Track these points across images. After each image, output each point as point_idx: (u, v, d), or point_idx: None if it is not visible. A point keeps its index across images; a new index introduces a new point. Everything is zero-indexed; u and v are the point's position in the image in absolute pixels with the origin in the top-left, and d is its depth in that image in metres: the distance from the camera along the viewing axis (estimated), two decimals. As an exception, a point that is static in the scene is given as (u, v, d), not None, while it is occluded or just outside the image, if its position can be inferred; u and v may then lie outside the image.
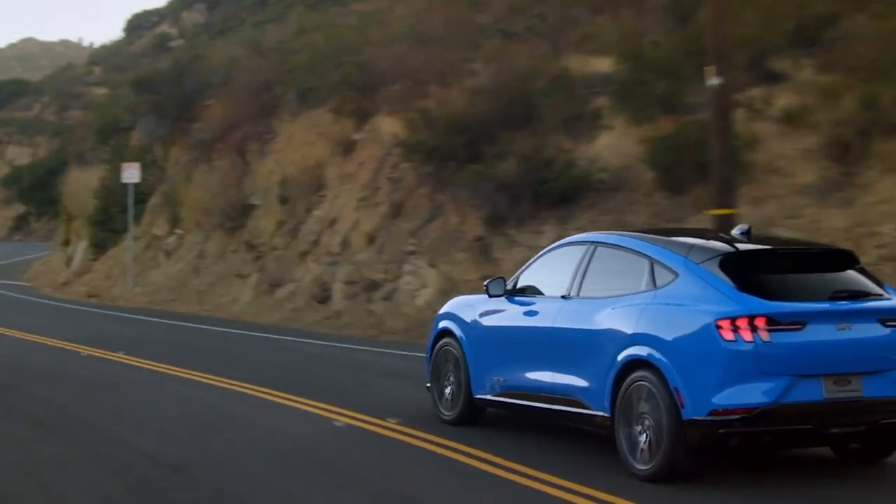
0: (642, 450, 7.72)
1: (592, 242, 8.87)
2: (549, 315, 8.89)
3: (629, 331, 7.89)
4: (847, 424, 7.63)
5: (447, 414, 10.06)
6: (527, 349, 9.10)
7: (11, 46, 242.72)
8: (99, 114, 37.65)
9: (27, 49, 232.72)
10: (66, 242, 38.65)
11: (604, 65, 22.13)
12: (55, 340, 17.96)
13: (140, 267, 29.94)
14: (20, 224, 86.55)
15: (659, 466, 7.58)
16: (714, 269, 7.69)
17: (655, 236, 8.75)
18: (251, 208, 27.35)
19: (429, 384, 10.42)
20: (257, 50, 32.16)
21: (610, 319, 8.14)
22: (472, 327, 9.86)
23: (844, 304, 7.64)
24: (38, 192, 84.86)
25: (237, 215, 27.30)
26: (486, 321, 9.72)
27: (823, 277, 7.97)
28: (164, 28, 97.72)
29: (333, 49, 28.31)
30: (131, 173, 29.51)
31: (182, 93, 31.74)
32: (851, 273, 8.08)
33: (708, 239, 8.48)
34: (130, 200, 29.59)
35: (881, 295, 7.91)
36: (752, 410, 7.27)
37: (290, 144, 27.66)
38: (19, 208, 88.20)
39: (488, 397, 9.58)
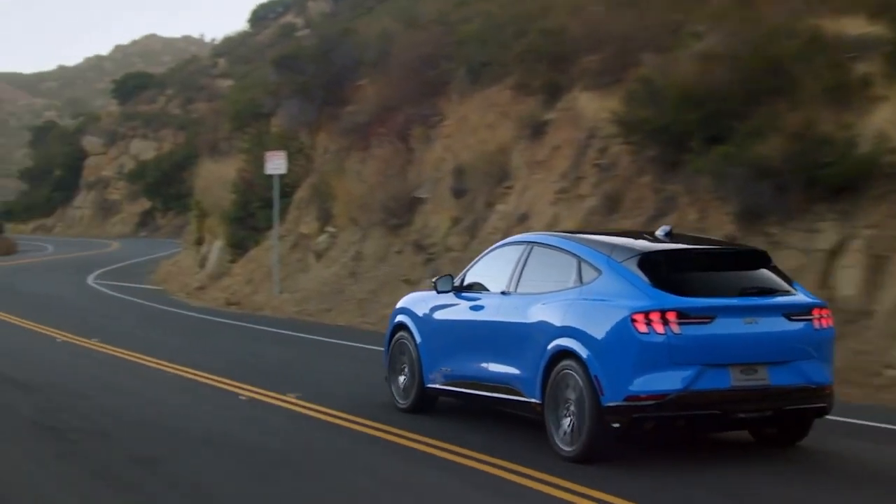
0: (566, 433, 8.48)
1: (530, 242, 9.72)
2: (490, 310, 9.66)
3: (557, 324, 8.65)
4: (754, 410, 8.44)
5: (402, 402, 10.88)
6: (471, 341, 9.86)
7: (134, 43, 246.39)
8: (235, 99, 33.96)
9: (149, 45, 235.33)
10: (199, 241, 35.46)
11: (857, 25, 17.64)
12: (202, 373, 14.02)
13: (286, 270, 26.26)
14: (145, 220, 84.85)
15: (581, 448, 8.33)
16: (633, 267, 8.46)
17: (584, 237, 9.60)
18: (418, 202, 23.45)
19: (387, 376, 11.26)
20: (415, 23, 28.30)
21: (541, 313, 8.88)
22: (423, 321, 10.67)
23: (751, 300, 8.51)
24: (164, 188, 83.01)
25: (401, 211, 23.42)
26: (436, 315, 10.50)
27: (736, 275, 8.80)
28: (290, 18, 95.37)
29: (512, 16, 24.24)
30: (277, 163, 25.86)
31: (330, 72, 28.09)
32: (764, 272, 8.87)
33: (633, 239, 9.26)
34: (276, 194, 25.97)
35: (789, 292, 8.73)
36: (664, 397, 8.04)
37: (463, 128, 23.68)
38: (144, 204, 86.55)
39: (438, 386, 10.36)
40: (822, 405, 8.68)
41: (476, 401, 10.10)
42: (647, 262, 8.57)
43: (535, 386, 8.82)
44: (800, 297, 8.78)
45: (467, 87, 24.26)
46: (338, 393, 12.29)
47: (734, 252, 9.61)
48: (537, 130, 21.28)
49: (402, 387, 10.96)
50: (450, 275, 10.78)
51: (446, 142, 23.86)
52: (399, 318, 11.17)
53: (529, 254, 9.51)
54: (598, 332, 8.31)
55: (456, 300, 10.31)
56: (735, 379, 8.22)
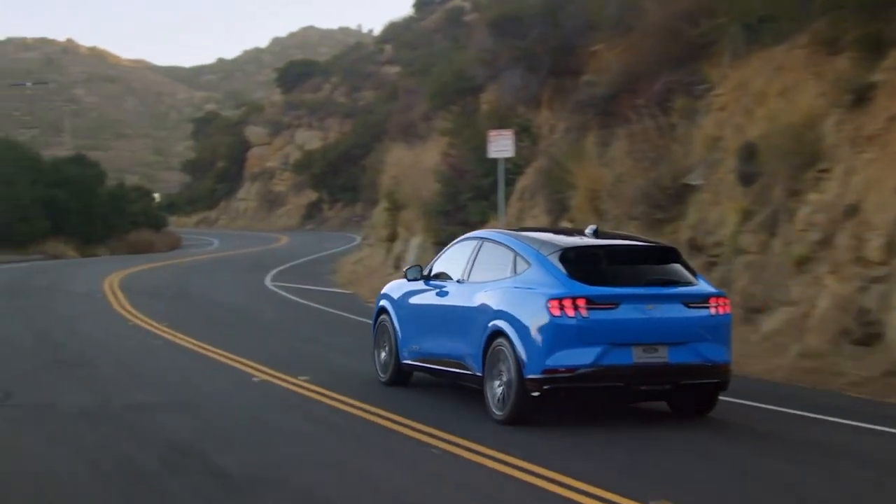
0: (499, 400, 10.09)
1: (481, 238, 11.51)
2: (448, 296, 11.35)
3: (494, 308, 10.30)
4: (654, 384, 10.08)
5: (383, 376, 12.54)
6: (433, 323, 11.58)
7: (292, 35, 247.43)
8: (439, 72, 29.52)
9: (307, 37, 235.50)
10: (391, 238, 31.59)
11: None
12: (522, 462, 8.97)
13: (512, 272, 22.14)
14: (312, 212, 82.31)
15: (509, 413, 9.94)
16: (555, 260, 10.10)
17: (522, 234, 11.24)
18: (689, 191, 18.83)
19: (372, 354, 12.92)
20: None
21: (483, 299, 10.54)
22: (399, 305, 12.32)
23: (652, 290, 10.05)
24: (331, 178, 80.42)
25: (668, 201, 18.82)
26: (409, 300, 12.15)
27: (644, 268, 10.47)
28: (457, 2, 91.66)
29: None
30: (502, 145, 21.51)
31: (558, 36, 23.68)
32: (672, 266, 10.46)
33: (564, 236, 11.35)
34: (501, 182, 21.62)
35: (690, 283, 10.31)
36: (574, 371, 9.64)
37: (743, 97, 18.86)
38: (310, 195, 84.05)
39: (410, 362, 12.02)
40: (718, 381, 10.20)
41: (439, 375, 11.67)
42: (566, 256, 10.12)
43: (479, 361, 10.40)
44: (700, 287, 10.30)
45: (742, 47, 19.50)
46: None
47: (645, 248, 11.21)
48: (860, 97, 16.39)
49: (382, 363, 12.56)
50: (418, 265, 12.69)
51: (720, 115, 19.11)
52: (381, 302, 12.77)
53: (480, 248, 11.17)
54: (523, 315, 9.89)
55: (424, 287, 11.86)
56: (637, 357, 9.76)
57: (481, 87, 27.12)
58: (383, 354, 12.54)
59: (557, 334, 9.59)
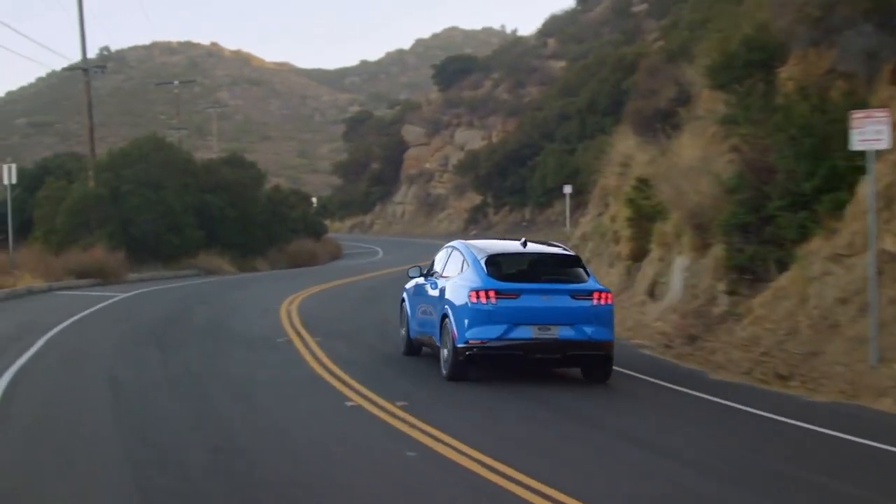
0: (444, 363, 13.60)
1: (452, 246, 15.02)
2: (430, 287, 14.77)
3: (446, 296, 13.77)
4: (548, 353, 13.35)
5: (403, 349, 15.96)
6: (423, 307, 15.00)
7: (435, 36, 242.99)
8: (721, 41, 21.85)
9: (451, 37, 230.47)
10: (636, 255, 24.54)
11: None
12: None
13: (889, 320, 14.63)
14: (475, 216, 75.75)
15: (448, 373, 13.46)
16: (483, 263, 13.54)
17: (472, 243, 14.82)
18: None
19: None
20: None
21: (443, 289, 13.98)
22: (410, 294, 15.95)
23: (545, 286, 13.45)
24: (498, 180, 73.91)
25: None
26: (414, 291, 15.74)
27: (549, 270, 13.93)
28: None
29: None
30: (874, 130, 14.36)
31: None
32: (573, 269, 13.96)
33: (501, 245, 14.91)
34: (872, 185, 14.44)
35: (581, 281, 13.69)
36: (486, 342, 13.03)
37: None
38: (473, 198, 77.57)
39: (415, 338, 15.42)
40: (601, 353, 13.47)
41: (426, 346, 15.03)
42: (490, 260, 13.64)
43: (437, 335, 14.01)
44: (586, 284, 13.64)
45: None
46: None
47: (551, 255, 14.53)
48: None
49: (402, 339, 16.17)
50: (418, 265, 16.32)
51: None
52: (403, 293, 16.45)
53: (451, 253, 14.80)
54: (456, 301, 13.45)
55: (423, 281, 15.34)
56: (534, 333, 13.10)
57: (781, 57, 19.83)
58: (402, 332, 16.18)
59: (474, 315, 13.10)
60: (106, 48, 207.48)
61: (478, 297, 13.02)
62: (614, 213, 30.51)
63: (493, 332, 12.99)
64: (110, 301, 24.19)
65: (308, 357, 15.30)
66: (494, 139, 78.65)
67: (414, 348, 15.51)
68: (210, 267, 37.79)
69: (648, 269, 23.64)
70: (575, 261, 14.19)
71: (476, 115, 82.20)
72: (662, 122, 25.84)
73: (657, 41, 73.56)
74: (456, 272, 13.99)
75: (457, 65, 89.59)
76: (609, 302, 13.45)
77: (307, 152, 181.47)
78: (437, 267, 14.95)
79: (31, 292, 26.29)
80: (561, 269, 14.00)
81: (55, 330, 17.90)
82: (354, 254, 56.04)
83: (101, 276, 31.07)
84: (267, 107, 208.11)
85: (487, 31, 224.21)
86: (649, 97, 26.33)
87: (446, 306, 13.60)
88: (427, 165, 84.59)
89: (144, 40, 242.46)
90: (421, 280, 15.35)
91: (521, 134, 71.92)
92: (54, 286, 28.07)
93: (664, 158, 24.53)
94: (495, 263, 13.61)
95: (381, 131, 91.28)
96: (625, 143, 30.05)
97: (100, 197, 35.28)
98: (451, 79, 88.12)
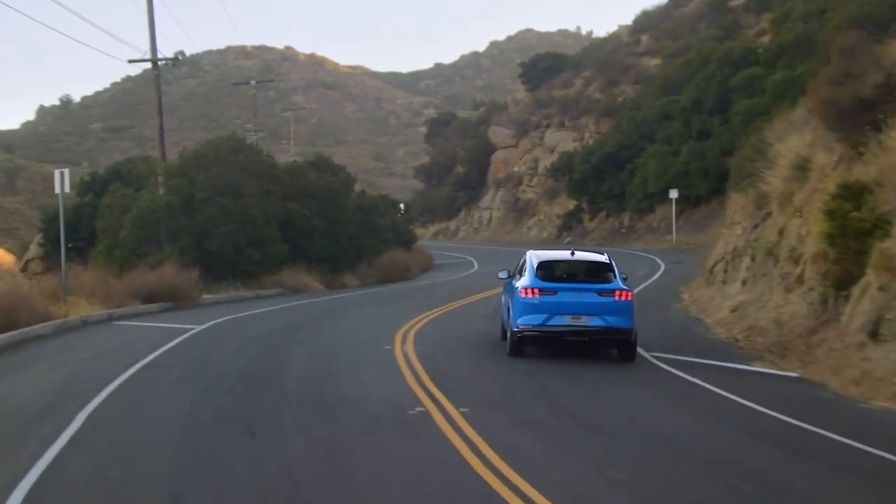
0: (507, 343, 17.43)
1: (525, 254, 18.41)
2: (510, 285, 18.18)
3: (512, 292, 17.32)
4: (577, 337, 16.75)
5: (503, 337, 18.71)
6: (505, 300, 18.56)
7: (509, 39, 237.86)
8: None
9: (525, 40, 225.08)
10: (841, 281, 18.99)
11: None
12: None
13: None
14: (569, 222, 70.17)
15: (509, 349, 17.17)
16: (535, 267, 17.18)
17: (536, 251, 18.58)
18: None
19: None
20: None
21: (514, 287, 17.32)
22: (504, 292, 19.37)
23: (577, 285, 17.10)
24: (594, 184, 68.30)
25: None
26: (503, 289, 19.46)
27: (583, 273, 17.93)
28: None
29: None
30: None
31: None
32: (604, 273, 17.45)
33: (554, 253, 19.26)
34: None
35: (608, 281, 17.05)
36: (532, 327, 16.57)
37: None
38: (566, 203, 72.01)
39: (504, 325, 18.55)
40: (622, 338, 16.80)
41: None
42: (540, 265, 17.35)
43: (507, 322, 17.79)
44: (612, 284, 16.93)
45: None
46: None
47: (585, 261, 18.42)
48: None
49: (502, 329, 18.95)
50: (507, 269, 19.79)
51: None
52: (502, 293, 19.77)
53: (523, 259, 18.27)
54: (514, 296, 17.09)
55: (509, 280, 18.86)
56: (568, 321, 16.59)
57: None
58: (501, 324, 19.51)
59: (524, 307, 16.65)
60: (181, 52, 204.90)
61: (526, 293, 16.73)
62: (783, 224, 24.87)
63: (537, 319, 16.65)
64: (180, 339, 19.06)
65: (467, 452, 9.98)
66: (587, 140, 73.03)
67: (504, 333, 18.55)
68: (295, 284, 32.80)
69: (865, 302, 17.96)
70: (607, 266, 17.71)
71: (567, 116, 76.62)
72: (866, 114, 20.13)
73: (761, 35, 67.70)
74: (522, 273, 17.77)
75: (545, 63, 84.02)
76: (629, 299, 16.86)
77: (382, 156, 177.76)
78: (517, 271, 18.63)
79: (85, 323, 21.31)
80: (594, 272, 17.83)
81: (100, 397, 12.76)
82: (446, 265, 50.84)
83: (172, 299, 26.19)
84: (341, 110, 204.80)
85: (563, 33, 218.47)
86: (844, 83, 20.59)
87: (511, 300, 17.48)
88: (515, 168, 79.19)
89: (219, 44, 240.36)
90: (509, 282, 18.83)
91: (618, 135, 66.22)
92: (115, 314, 23.11)
93: (882, 157, 18.89)
94: (543, 268, 17.47)
95: (465, 133, 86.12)
96: (796, 141, 24.41)
97: (170, 206, 30.49)
98: (539, 78, 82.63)
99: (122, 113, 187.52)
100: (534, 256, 17.79)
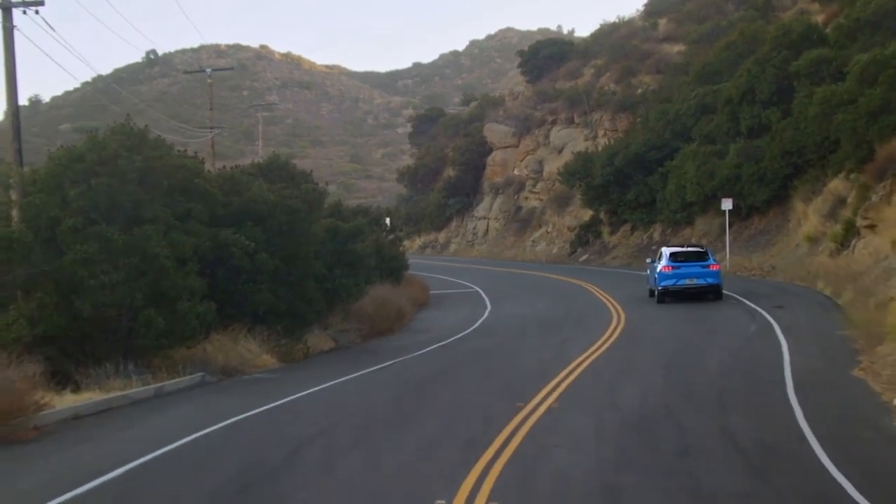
0: (654, 296, 32.43)
1: (661, 248, 35.24)
2: (653, 266, 32.98)
3: (656, 269, 32.28)
4: (693, 291, 30.99)
5: (651, 295, 33.24)
6: (652, 274, 33.09)
7: (489, 38, 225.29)
8: None
9: (506, 38, 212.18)
10: None
11: None
12: None
13: None
14: (584, 236, 57.24)
15: (657, 299, 31.67)
16: (668, 254, 31.80)
17: (666, 248, 33.76)
18: None
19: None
20: None
21: (656, 267, 32.45)
22: (650, 272, 33.73)
23: (689, 262, 31.40)
24: (615, 191, 55.42)
25: None
26: (649, 269, 34.03)
27: (692, 255, 31.87)
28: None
29: None
30: None
31: None
32: (704, 254, 31.92)
33: (679, 247, 34.57)
34: None
35: (706, 259, 31.51)
36: (668, 287, 31.22)
37: None
38: (580, 214, 59.11)
39: (650, 288, 33.35)
40: (715, 287, 30.91)
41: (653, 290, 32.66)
42: (670, 254, 31.59)
43: (653, 284, 32.54)
44: (708, 261, 31.25)
45: None
46: None
47: (693, 249, 32.75)
48: None
49: (650, 290, 33.10)
50: (652, 259, 34.69)
51: None
52: (648, 270, 34.33)
53: (661, 251, 32.80)
54: (658, 269, 31.61)
55: (653, 266, 32.94)
56: (686, 282, 30.83)
57: None
58: (648, 287, 33.28)
59: (663, 276, 30.86)
60: (153, 51, 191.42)
61: (665, 269, 31.06)
62: None
63: (670, 281, 30.93)
64: None
65: None
66: (603, 139, 60.12)
67: (652, 294, 32.73)
68: (229, 363, 19.65)
69: None
70: (704, 252, 32.20)
71: (576, 111, 63.64)
72: None
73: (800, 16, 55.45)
74: (661, 261, 31.85)
75: (548, 50, 70.94)
76: (717, 269, 31.63)
77: (360, 157, 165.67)
78: (657, 258, 32.94)
79: None
80: (698, 254, 31.90)
81: None
82: (447, 297, 37.84)
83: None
84: (318, 110, 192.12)
85: (543, 32, 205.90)
86: None
87: (655, 273, 31.83)
88: (515, 172, 66.22)
89: (192, 43, 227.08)
90: (653, 265, 32.96)
91: (646, 132, 53.36)
92: None
93: None
94: (672, 255, 31.52)
95: (455, 131, 73.05)
96: None
97: (18, 242, 17.42)
98: (541, 67, 69.66)
99: (92, 113, 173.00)
100: (665, 250, 32.55)
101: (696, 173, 46.91)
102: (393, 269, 34.95)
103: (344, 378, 18.41)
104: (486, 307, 33.25)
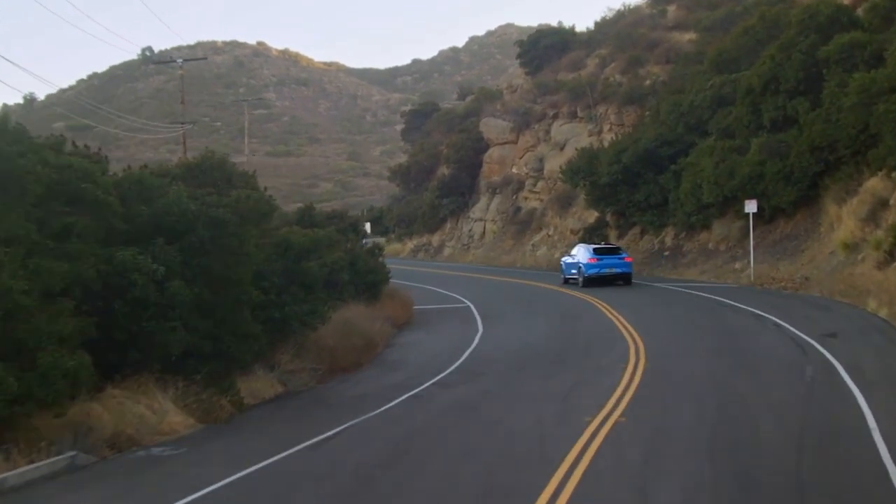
0: (579, 283, 39.83)
1: (580, 242, 45.97)
2: (570, 259, 42.26)
3: (580, 260, 40.53)
4: (609, 279, 39.01)
5: (565, 282, 41.86)
6: (569, 264, 41.94)
7: (489, 34, 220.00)
8: None
9: (506, 35, 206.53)
10: None
11: None
12: None
13: None
14: (590, 240, 51.89)
15: (582, 284, 39.21)
16: (591, 249, 40.55)
17: (584, 244, 43.56)
18: None
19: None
20: None
21: (575, 258, 41.37)
22: (563, 262, 42.73)
23: (608, 256, 39.80)
24: (624, 191, 50.03)
25: None
26: (565, 262, 42.70)
27: (610, 251, 40.89)
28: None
29: None
30: None
31: None
32: (618, 249, 41.58)
33: (598, 244, 44.15)
34: None
35: (621, 253, 40.75)
36: (592, 274, 39.09)
37: None
38: (584, 215, 53.78)
39: (566, 277, 41.66)
40: (627, 275, 39.23)
41: (568, 278, 41.27)
42: (594, 249, 40.49)
43: (573, 273, 40.83)
44: (623, 254, 40.28)
45: None
46: None
47: (609, 246, 42.56)
48: None
49: (562, 278, 41.55)
50: (568, 254, 43.11)
51: None
52: (561, 263, 43.08)
53: (577, 246, 43.05)
54: (581, 262, 39.92)
55: (567, 258, 42.34)
56: (606, 270, 38.96)
57: None
58: (561, 276, 41.55)
59: (589, 265, 39.03)
60: (149, 48, 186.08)
61: (590, 260, 38.85)
62: None
63: (595, 270, 38.59)
64: None
65: None
66: (608, 134, 54.74)
67: (566, 281, 40.44)
68: (123, 427, 14.39)
69: None
70: (618, 248, 41.42)
71: (579, 104, 58.23)
72: None
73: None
74: (582, 252, 40.02)
75: (549, 40, 65.50)
76: (630, 260, 39.84)
77: (358, 155, 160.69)
78: (573, 251, 41.56)
79: None
80: (614, 251, 40.21)
81: None
82: (434, 314, 32.54)
83: None
84: (315, 108, 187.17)
85: (544, 28, 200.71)
86: None
87: (579, 264, 39.41)
88: (514, 170, 60.87)
89: (189, 40, 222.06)
90: (568, 258, 41.44)
91: (657, 126, 48.03)
92: None
93: None
94: (595, 250, 39.73)
95: (450, 127, 67.65)
96: None
97: None
98: (541, 58, 64.23)
99: (88, 111, 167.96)
100: (589, 247, 40.96)
101: (713, 171, 41.61)
102: (370, 283, 29.61)
103: (268, 461, 13.06)
104: (477, 329, 27.90)
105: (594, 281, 38.77)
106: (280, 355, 19.79)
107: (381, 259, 32.65)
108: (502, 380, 19.39)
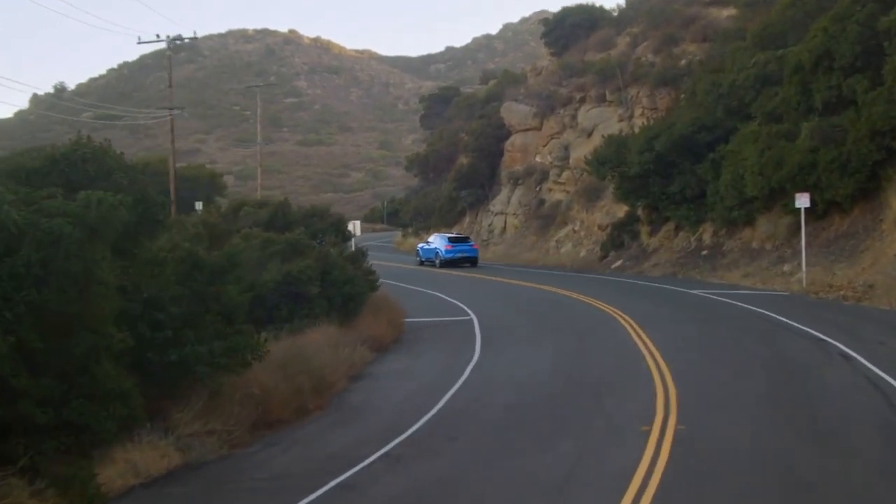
0: (436, 265, 50.69)
1: (437, 232, 57.62)
2: (428, 245, 53.50)
3: (439, 246, 51.58)
4: (462, 262, 49.94)
5: (420, 264, 53.78)
6: (426, 249, 53.32)
7: (524, 21, 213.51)
8: None
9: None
10: None
11: None
12: None
13: None
14: (619, 237, 45.99)
15: (439, 265, 50.21)
16: (447, 238, 52.41)
17: (439, 234, 55.90)
18: None
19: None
20: None
21: (433, 244, 52.83)
22: (420, 247, 54.90)
23: (460, 243, 51.49)
24: (657, 182, 43.90)
25: None
26: (420, 246, 55.01)
27: (463, 239, 52.84)
28: None
29: None
30: None
31: None
32: (467, 238, 53.70)
33: (456, 234, 58.17)
34: None
35: (470, 241, 53.11)
36: (448, 258, 50.09)
37: None
38: (613, 209, 48.02)
39: (424, 259, 53.06)
40: (474, 259, 50.56)
41: (426, 261, 52.38)
42: (449, 238, 52.57)
43: (431, 258, 51.87)
44: (471, 242, 52.78)
45: None
46: None
47: (459, 235, 55.42)
48: None
49: (418, 261, 52.97)
50: (427, 240, 54.80)
51: None
52: (418, 248, 55.58)
53: (434, 235, 55.12)
54: (437, 248, 51.37)
55: (424, 244, 54.03)
56: (459, 255, 50.15)
57: None
58: (417, 259, 53.35)
59: (447, 251, 50.21)
60: (178, 36, 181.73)
61: (447, 247, 50.02)
62: None
63: (451, 254, 49.61)
64: None
65: None
66: (641, 119, 48.88)
67: (422, 263, 51.63)
68: None
69: None
70: (467, 238, 53.54)
71: (608, 86, 52.36)
72: None
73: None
74: (438, 240, 51.41)
75: (576, 18, 59.58)
76: (476, 247, 52.72)
77: (389, 143, 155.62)
78: (430, 239, 53.23)
79: None
80: (464, 240, 52.16)
81: None
82: (427, 330, 27.15)
83: None
84: (347, 96, 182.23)
85: (571, 6, 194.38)
86: None
87: (437, 249, 50.65)
88: (538, 159, 55.28)
89: (220, 28, 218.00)
90: (424, 244, 53.49)
91: (693, 109, 42.16)
92: None
93: None
94: (450, 239, 51.12)
95: (471, 113, 62.05)
96: None
97: None
98: (568, 38, 58.37)
99: (116, 100, 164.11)
100: (445, 236, 52.30)
101: (758, 160, 35.84)
102: (347, 297, 24.17)
103: None
104: (472, 355, 22.33)
105: (449, 263, 49.11)
106: (183, 412, 14.38)
107: (366, 265, 27.18)
108: (476, 450, 13.85)
